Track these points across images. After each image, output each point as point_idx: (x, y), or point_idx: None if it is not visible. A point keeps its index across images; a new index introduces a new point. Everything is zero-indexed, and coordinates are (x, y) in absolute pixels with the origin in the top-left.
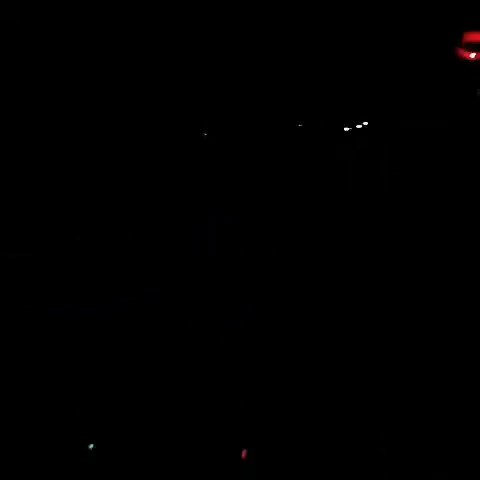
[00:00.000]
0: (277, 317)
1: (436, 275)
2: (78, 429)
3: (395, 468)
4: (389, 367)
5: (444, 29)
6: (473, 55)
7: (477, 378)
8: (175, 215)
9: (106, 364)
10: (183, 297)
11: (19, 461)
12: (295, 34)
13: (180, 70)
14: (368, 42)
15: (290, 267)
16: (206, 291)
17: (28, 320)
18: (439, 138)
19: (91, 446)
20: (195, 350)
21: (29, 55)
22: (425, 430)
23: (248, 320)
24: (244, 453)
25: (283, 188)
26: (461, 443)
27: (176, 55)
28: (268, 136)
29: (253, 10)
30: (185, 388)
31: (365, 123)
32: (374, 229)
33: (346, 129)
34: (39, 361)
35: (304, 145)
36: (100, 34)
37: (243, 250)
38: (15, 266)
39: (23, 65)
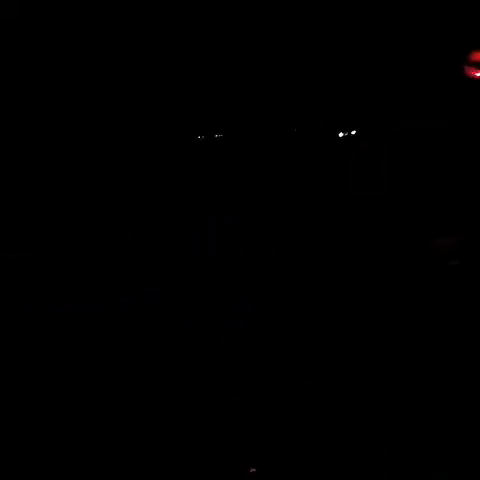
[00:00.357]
0: (277, 317)
1: (437, 275)
2: (78, 429)
3: (395, 468)
4: (389, 367)
5: (451, 44)
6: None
7: (477, 378)
8: (175, 215)
9: (106, 364)
10: (183, 297)
11: (19, 461)
12: (301, 34)
13: (180, 71)
14: (371, 44)
15: (290, 267)
16: (206, 291)
17: (28, 320)
18: (439, 138)
19: None
20: (195, 350)
21: (29, 55)
22: (425, 430)
23: (248, 320)
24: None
25: (283, 188)
26: (461, 443)
27: (179, 57)
28: (268, 136)
29: (253, 11)
30: (185, 388)
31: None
32: (374, 229)
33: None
34: (39, 361)
35: (304, 145)
36: (100, 34)
37: (243, 250)
38: (15, 266)
39: (23, 65)
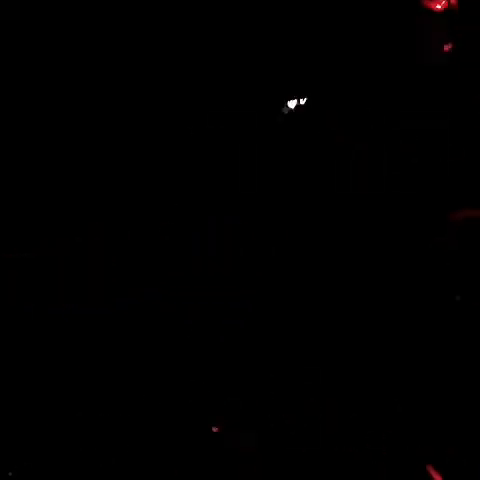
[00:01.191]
0: (277, 317)
1: (437, 276)
2: (78, 429)
3: (395, 468)
4: (389, 367)
5: None
6: (439, 6)
7: (477, 378)
8: (175, 215)
9: (106, 364)
10: (183, 297)
11: (19, 461)
12: (290, 31)
13: (179, 68)
14: (370, 44)
15: (290, 267)
16: (206, 291)
17: (28, 320)
18: (439, 138)
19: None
20: (195, 350)
21: (29, 55)
22: (425, 430)
23: (248, 320)
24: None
25: (283, 188)
26: (461, 443)
27: (179, 56)
28: (268, 136)
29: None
30: (185, 388)
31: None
32: (374, 229)
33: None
34: (39, 361)
35: (304, 145)
36: (100, 34)
37: (243, 250)
38: (15, 266)
39: (23, 65)
